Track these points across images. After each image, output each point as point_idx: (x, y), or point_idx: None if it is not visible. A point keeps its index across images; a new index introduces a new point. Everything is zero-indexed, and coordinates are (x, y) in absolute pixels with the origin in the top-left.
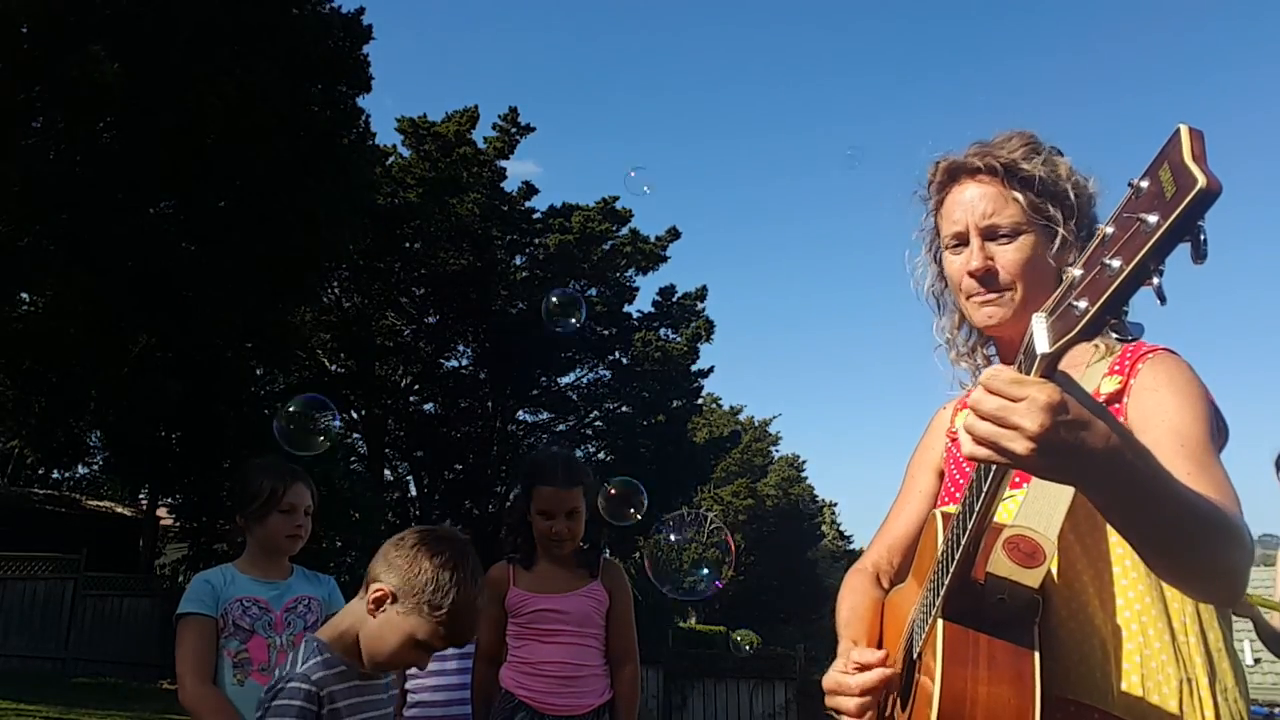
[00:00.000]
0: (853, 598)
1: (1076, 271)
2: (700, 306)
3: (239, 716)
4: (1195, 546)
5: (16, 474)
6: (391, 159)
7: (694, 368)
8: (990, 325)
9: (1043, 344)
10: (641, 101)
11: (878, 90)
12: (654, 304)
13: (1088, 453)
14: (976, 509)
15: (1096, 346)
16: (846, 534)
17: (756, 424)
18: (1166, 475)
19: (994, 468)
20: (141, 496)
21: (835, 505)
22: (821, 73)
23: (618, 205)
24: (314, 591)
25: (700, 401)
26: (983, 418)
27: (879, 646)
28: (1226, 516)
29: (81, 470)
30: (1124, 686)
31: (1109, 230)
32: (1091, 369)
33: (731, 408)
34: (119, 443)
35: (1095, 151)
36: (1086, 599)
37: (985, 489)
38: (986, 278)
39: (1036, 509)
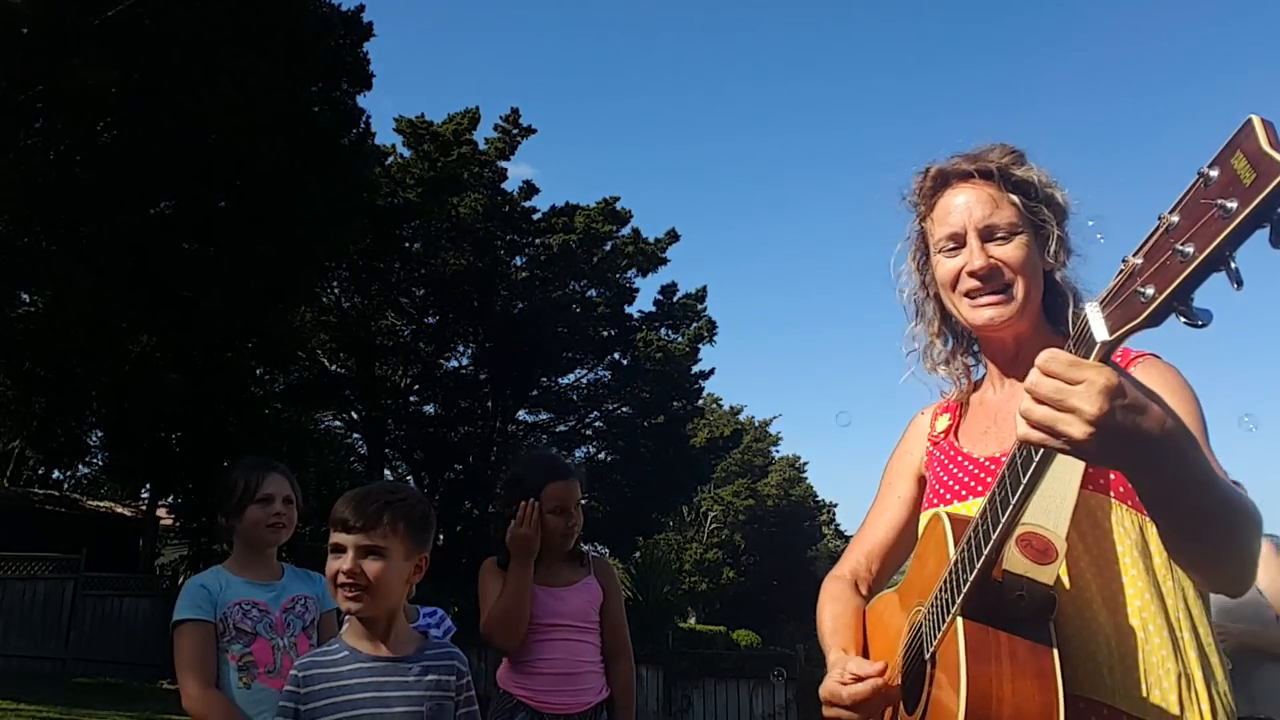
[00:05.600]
0: (834, 605)
1: (1137, 260)
2: (701, 307)
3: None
4: (1228, 533)
5: (16, 474)
6: (391, 159)
7: (695, 369)
8: (992, 326)
9: (1101, 332)
10: (640, 105)
11: (879, 91)
12: (655, 303)
13: (1143, 436)
14: (1012, 502)
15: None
16: (846, 534)
17: (757, 424)
18: (1210, 463)
19: (1034, 463)
20: (142, 496)
21: (835, 506)
22: (821, 75)
23: (618, 206)
24: (308, 590)
25: (700, 402)
26: (1039, 401)
27: (864, 654)
28: (1251, 504)
29: (82, 470)
30: (1128, 683)
31: (1174, 219)
32: None
33: (732, 408)
34: (119, 443)
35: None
36: (1090, 597)
37: (1025, 482)
38: (990, 275)
39: (1043, 507)
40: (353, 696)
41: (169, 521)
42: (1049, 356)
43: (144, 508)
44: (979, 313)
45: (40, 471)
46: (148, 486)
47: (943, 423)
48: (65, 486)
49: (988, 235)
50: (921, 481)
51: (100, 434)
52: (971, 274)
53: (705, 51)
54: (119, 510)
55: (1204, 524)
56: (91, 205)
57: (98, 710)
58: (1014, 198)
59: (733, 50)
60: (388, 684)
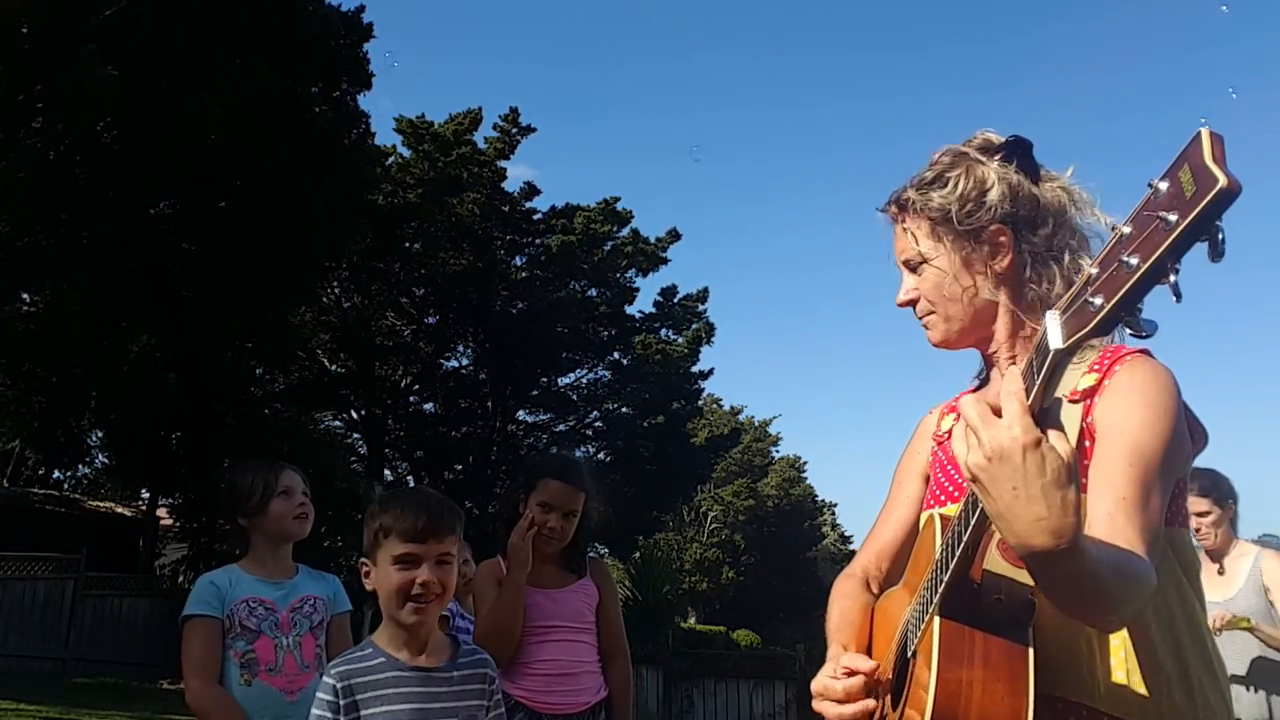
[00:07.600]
0: (842, 602)
1: (1093, 269)
2: (701, 308)
3: (246, 717)
4: (1095, 604)
5: (16, 474)
6: (391, 159)
7: (694, 369)
8: (937, 344)
9: (1055, 340)
10: (640, 105)
11: (882, 92)
12: (655, 304)
13: (1008, 508)
14: (981, 504)
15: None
16: (847, 534)
17: (757, 424)
18: (1091, 549)
19: None
20: (142, 496)
21: (835, 506)
22: (824, 76)
23: (618, 206)
24: (319, 590)
25: (700, 402)
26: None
27: (869, 651)
28: (1136, 578)
29: (82, 470)
30: (1111, 681)
31: (1126, 229)
32: (1073, 367)
33: (732, 408)
34: (119, 443)
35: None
36: None
37: None
38: (914, 307)
39: None
40: (393, 708)
41: (169, 521)
42: (969, 402)
43: (144, 508)
44: (927, 335)
45: (40, 471)
46: (148, 486)
47: (948, 422)
48: (65, 486)
49: (911, 268)
50: (929, 480)
51: (100, 434)
52: (900, 306)
53: (705, 51)
54: (119, 510)
55: (1069, 595)
56: (91, 205)
57: (98, 710)
58: (925, 224)
59: (734, 50)
60: (426, 695)
